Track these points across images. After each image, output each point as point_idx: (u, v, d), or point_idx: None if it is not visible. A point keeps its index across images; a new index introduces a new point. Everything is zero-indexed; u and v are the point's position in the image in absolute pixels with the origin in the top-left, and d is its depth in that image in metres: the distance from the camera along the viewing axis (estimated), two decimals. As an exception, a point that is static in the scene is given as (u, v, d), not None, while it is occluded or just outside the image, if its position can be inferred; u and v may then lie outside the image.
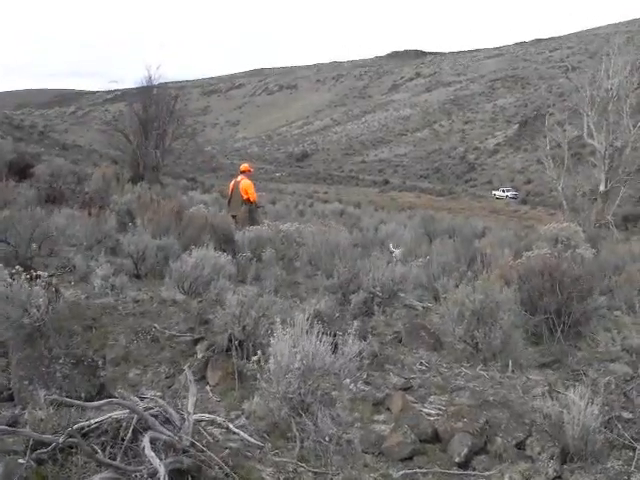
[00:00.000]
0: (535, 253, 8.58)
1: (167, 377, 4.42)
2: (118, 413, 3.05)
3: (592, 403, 3.59)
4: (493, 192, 79.83)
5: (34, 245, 7.26)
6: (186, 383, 3.79)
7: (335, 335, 5.29)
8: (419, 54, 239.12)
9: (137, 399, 3.72)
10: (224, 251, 10.08)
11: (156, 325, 5.25)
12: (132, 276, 8.37)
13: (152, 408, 3.14)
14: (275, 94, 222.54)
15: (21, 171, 20.58)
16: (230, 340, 4.57)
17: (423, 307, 7.54)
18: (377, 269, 6.75)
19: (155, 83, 33.00)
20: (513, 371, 5.26)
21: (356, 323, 5.63)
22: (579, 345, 6.71)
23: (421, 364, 5.27)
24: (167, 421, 3.08)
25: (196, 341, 4.95)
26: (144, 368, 4.58)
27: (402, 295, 7.62)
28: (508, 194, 76.11)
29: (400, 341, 5.83)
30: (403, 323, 6.32)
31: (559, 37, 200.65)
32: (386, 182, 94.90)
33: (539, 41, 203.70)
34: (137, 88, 34.13)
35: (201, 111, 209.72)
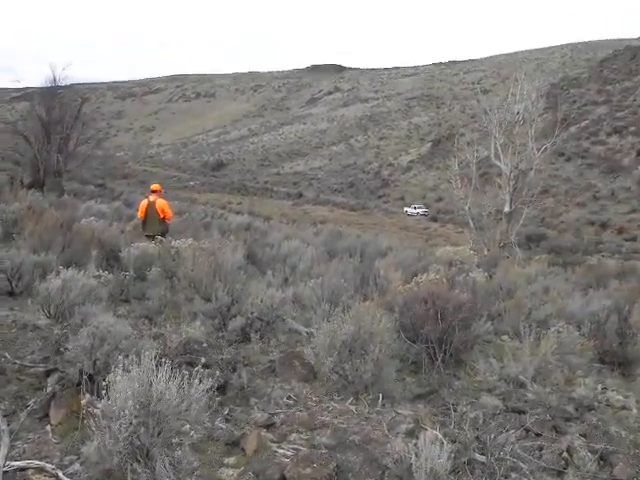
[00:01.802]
0: (424, 278, 8.62)
1: (6, 415, 4.06)
2: None
3: (442, 446, 3.53)
4: (405, 209, 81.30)
5: None
6: (21, 424, 3.50)
7: (202, 367, 5.09)
8: (338, 69, 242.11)
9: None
10: (110, 268, 9.71)
11: (7, 354, 4.86)
12: (6, 294, 7.91)
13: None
14: (192, 101, 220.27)
15: None
16: (81, 374, 4.29)
17: (307, 332, 7.39)
18: (255, 293, 6.57)
19: (61, 84, 31.78)
20: (384, 405, 5.18)
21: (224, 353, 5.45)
22: (458, 374, 6.74)
23: (289, 397, 5.10)
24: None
25: (48, 373, 4.62)
26: (-19, 404, 4.21)
27: (288, 319, 7.46)
28: (419, 211, 77.75)
29: (273, 371, 5.65)
30: (279, 351, 6.16)
31: (474, 60, 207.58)
32: (300, 195, 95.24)
33: (454, 63, 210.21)
34: (41, 88, 32.81)
35: (115, 115, 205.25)
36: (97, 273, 8.34)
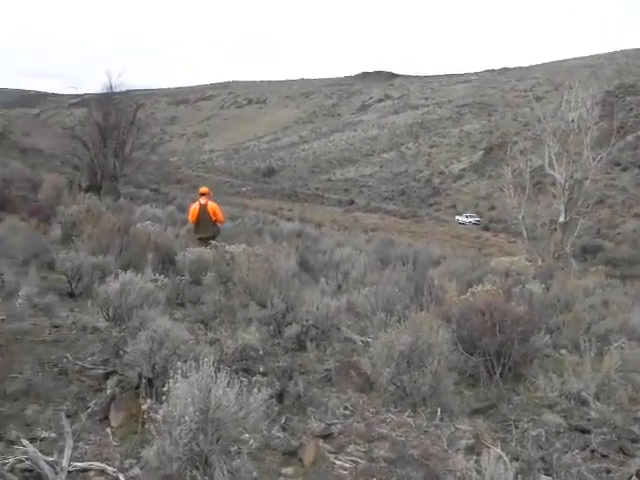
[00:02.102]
0: (480, 289, 8.44)
1: (68, 416, 4.09)
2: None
3: (507, 466, 3.41)
4: (456, 217, 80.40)
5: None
6: (82, 426, 3.51)
7: (259, 375, 5.07)
8: (389, 76, 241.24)
9: (27, 442, 3.45)
10: (165, 271, 9.81)
11: (68, 355, 4.93)
12: (66, 295, 8.05)
13: (22, 461, 2.87)
14: (244, 108, 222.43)
15: (-29, 175, 20.02)
16: (140, 377, 4.31)
17: (362, 341, 7.32)
18: (311, 301, 6.51)
19: (117, 90, 32.50)
20: (442, 419, 5.07)
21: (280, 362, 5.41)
22: (517, 389, 6.56)
23: (346, 407, 5.02)
24: (39, 477, 2.81)
25: (107, 375, 4.66)
26: (45, 404, 4.21)
27: (342, 328, 7.38)
28: (471, 220, 76.75)
29: (330, 380, 5.59)
30: (335, 360, 6.09)
31: (526, 67, 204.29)
32: (351, 202, 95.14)
33: (507, 70, 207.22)
34: (98, 94, 33.57)
35: (169, 121, 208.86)
36: (154, 277, 8.43)
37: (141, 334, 4.48)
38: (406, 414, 5.05)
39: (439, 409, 5.13)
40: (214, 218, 13.41)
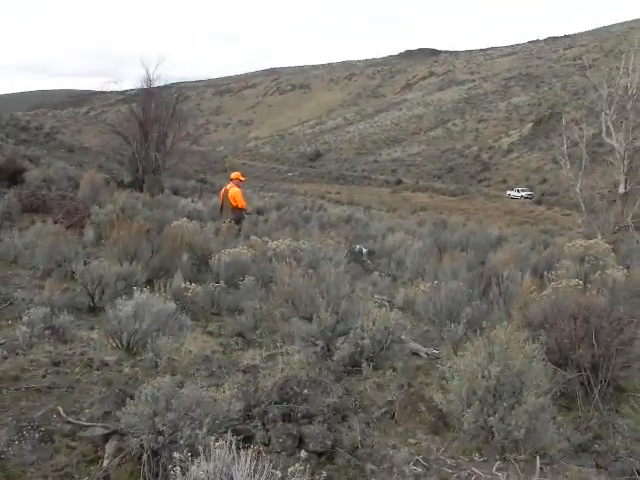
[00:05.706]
0: (563, 284, 7.16)
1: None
2: None
3: None
4: (508, 192, 78.60)
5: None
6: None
7: (305, 418, 3.99)
8: (432, 53, 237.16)
9: None
10: (201, 274, 8.86)
11: (60, 409, 3.81)
12: (86, 310, 7.13)
13: None
14: (288, 94, 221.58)
15: (11, 176, 19.43)
16: (142, 447, 3.21)
17: (427, 354, 6.14)
18: (367, 315, 5.34)
19: (155, 83, 31.78)
20: (542, 469, 3.87)
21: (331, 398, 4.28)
22: (621, 409, 5.30)
23: (417, 462, 3.84)
24: None
25: (107, 437, 3.57)
26: (18, 489, 3.16)
27: (403, 337, 6.15)
28: (523, 194, 75.07)
29: (393, 417, 4.42)
30: (398, 386, 4.91)
31: (573, 35, 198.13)
32: (399, 182, 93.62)
33: (553, 39, 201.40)
34: (138, 89, 32.93)
35: (214, 111, 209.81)
36: (184, 285, 7.46)
37: (142, 391, 3.38)
38: (495, 467, 3.85)
39: (537, 457, 3.92)
40: (234, 204, 13.56)
